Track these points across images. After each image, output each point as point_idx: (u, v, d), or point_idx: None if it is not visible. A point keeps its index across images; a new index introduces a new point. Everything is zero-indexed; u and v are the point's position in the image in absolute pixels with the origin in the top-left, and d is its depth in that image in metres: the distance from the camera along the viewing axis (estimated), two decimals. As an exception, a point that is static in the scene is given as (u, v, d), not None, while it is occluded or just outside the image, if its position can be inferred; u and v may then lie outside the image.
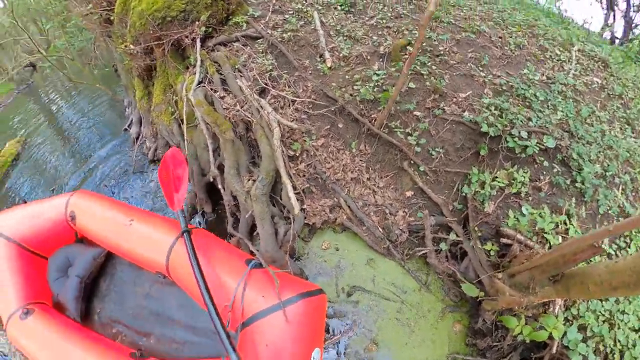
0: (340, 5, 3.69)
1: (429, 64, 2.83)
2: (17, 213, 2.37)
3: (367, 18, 3.56)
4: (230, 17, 3.18)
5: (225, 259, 1.77)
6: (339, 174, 2.30)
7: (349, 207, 2.24)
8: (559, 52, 3.52)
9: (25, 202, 2.52)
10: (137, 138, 3.70)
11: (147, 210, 2.25)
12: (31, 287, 2.21)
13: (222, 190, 2.33)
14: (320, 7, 3.59)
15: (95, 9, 3.90)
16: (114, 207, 2.17)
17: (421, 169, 2.32)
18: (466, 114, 2.45)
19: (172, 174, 1.82)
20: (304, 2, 3.65)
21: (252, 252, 2.02)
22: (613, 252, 1.99)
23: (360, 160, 2.37)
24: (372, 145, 2.43)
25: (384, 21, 3.47)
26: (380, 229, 2.21)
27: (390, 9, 3.73)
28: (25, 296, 2.15)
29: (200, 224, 2.74)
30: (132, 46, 2.91)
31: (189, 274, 1.72)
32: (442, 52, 2.99)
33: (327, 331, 2.12)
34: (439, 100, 2.56)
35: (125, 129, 4.33)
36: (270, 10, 3.37)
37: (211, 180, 2.44)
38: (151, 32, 2.80)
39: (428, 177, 2.33)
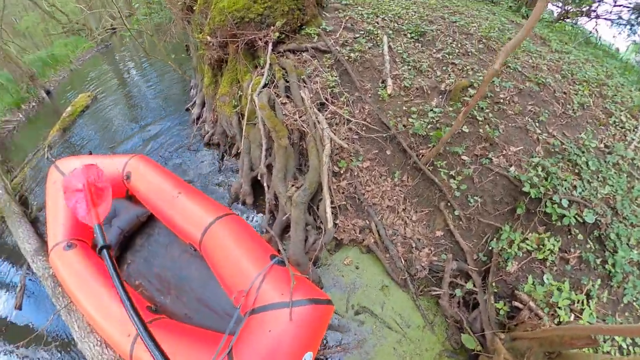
0: (410, 33, 3.75)
1: (487, 110, 2.85)
2: (81, 161, 2.66)
3: (434, 50, 3.59)
4: (304, 27, 3.34)
5: (253, 249, 1.89)
6: (376, 198, 2.40)
7: (378, 232, 2.34)
8: (624, 119, 3.36)
9: (91, 154, 2.84)
10: (197, 119, 3.96)
11: (195, 188, 2.41)
12: (78, 226, 2.49)
13: (266, 188, 2.51)
14: (390, 32, 3.67)
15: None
16: (167, 178, 2.41)
17: (456, 212, 2.38)
18: (512, 169, 2.47)
19: (92, 190, 1.86)
20: (376, 24, 3.77)
21: (278, 250, 2.15)
22: (625, 346, 1.95)
23: (400, 191, 2.46)
24: (415, 178, 2.51)
25: (451, 57, 3.49)
26: (403, 260, 2.30)
27: (459, 45, 3.74)
28: (71, 232, 2.44)
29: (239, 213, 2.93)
30: (209, 37, 3.13)
31: (218, 253, 1.92)
32: (502, 100, 3.00)
33: (325, 341, 2.21)
34: (488, 149, 2.59)
35: (187, 108, 4.59)
36: (342, 26, 3.51)
37: (258, 176, 2.62)
38: (228, 28, 3.01)
39: (460, 223, 2.38)
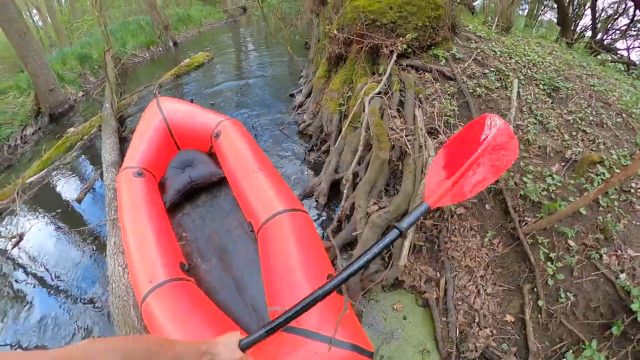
0: (543, 85, 3.40)
1: (613, 196, 2.45)
2: (181, 105, 2.81)
3: (565, 110, 3.22)
4: (432, 47, 3.15)
5: (311, 259, 1.75)
6: (457, 253, 2.15)
7: (445, 290, 2.09)
8: None
9: (192, 102, 2.92)
10: (299, 106, 4.03)
11: (277, 172, 2.34)
12: (154, 159, 2.61)
13: (344, 196, 2.36)
14: (522, 77, 3.35)
15: None
16: (253, 150, 2.39)
17: (539, 303, 2.05)
18: (623, 276, 2.07)
19: None
20: (508, 64, 3.47)
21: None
22: None
23: (486, 254, 2.18)
24: (507, 246, 2.21)
25: (582, 123, 3.10)
26: (458, 332, 2.03)
27: (594, 112, 3.30)
28: (146, 161, 2.55)
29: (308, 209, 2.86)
30: (335, 32, 3.05)
31: (274, 246, 1.83)
32: (632, 190, 2.56)
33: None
34: (601, 243, 2.21)
35: (292, 94, 4.71)
36: (472, 57, 3.26)
37: (340, 180, 2.49)
38: (358, 28, 2.92)
39: (539, 316, 2.05)
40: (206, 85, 6.78)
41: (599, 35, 7.38)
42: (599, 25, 7.50)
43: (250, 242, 2.19)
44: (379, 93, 2.58)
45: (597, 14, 7.42)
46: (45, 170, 5.60)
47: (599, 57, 6.64)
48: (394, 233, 1.18)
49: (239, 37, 11.48)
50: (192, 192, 2.53)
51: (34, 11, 22.35)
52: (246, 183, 2.18)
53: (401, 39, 2.88)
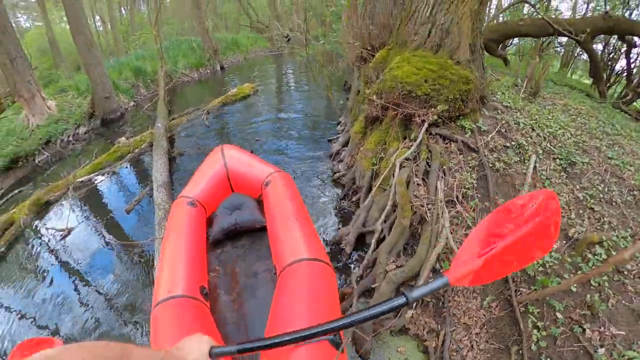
0: (560, 159, 3.64)
1: (605, 276, 2.72)
2: (241, 154, 3.27)
3: (578, 186, 3.47)
4: (461, 117, 3.51)
5: (321, 308, 1.84)
6: (458, 311, 2.53)
7: (443, 341, 2.47)
8: None
9: (252, 152, 3.48)
10: (335, 154, 4.45)
11: (312, 223, 2.61)
12: (209, 195, 3.01)
13: (370, 250, 2.78)
14: (540, 151, 3.63)
15: (361, 46, 4.69)
16: (294, 201, 2.69)
17: (524, 364, 2.39)
18: (601, 351, 2.37)
19: None
20: (529, 138, 3.74)
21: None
22: None
23: (483, 315, 2.55)
24: (503, 310, 2.58)
25: (592, 200, 3.32)
26: (451, 378, 2.39)
27: (606, 189, 3.51)
28: (201, 195, 2.95)
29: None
30: (374, 97, 3.49)
31: (289, 288, 1.96)
32: (626, 272, 2.80)
33: None
34: (587, 319, 2.53)
35: (329, 140, 5.15)
36: (496, 129, 3.59)
37: (365, 233, 2.92)
38: (395, 96, 3.33)
39: (522, 377, 2.39)
40: (247, 118, 7.34)
41: (636, 80, 7.12)
42: (634, 71, 7.44)
43: (272, 286, 2.32)
44: (408, 159, 3.01)
45: (632, 61, 7.35)
46: (96, 173, 6.21)
47: (635, 104, 6.71)
48: (401, 300, 1.11)
49: (281, 68, 12.07)
50: (235, 233, 2.80)
51: (97, 17, 23.99)
52: (281, 230, 2.40)
53: (433, 109, 3.26)
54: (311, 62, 8.06)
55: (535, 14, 7.89)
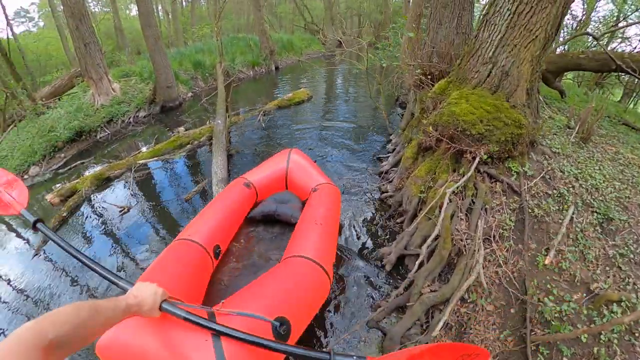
0: (598, 213, 3.71)
1: (615, 333, 2.78)
2: (302, 160, 3.72)
3: (610, 243, 3.54)
4: (509, 159, 3.69)
5: (295, 301, 1.94)
6: (477, 339, 2.81)
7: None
8: None
9: (315, 162, 3.87)
10: (384, 173, 4.71)
11: (335, 230, 2.91)
12: (266, 185, 3.51)
13: (412, 272, 3.06)
14: (580, 203, 3.73)
15: (420, 71, 4.88)
16: (330, 210, 2.97)
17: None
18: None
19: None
20: (571, 188, 3.86)
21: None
22: None
23: (498, 347, 2.81)
24: (516, 346, 2.82)
25: (621, 259, 3.38)
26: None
27: (638, 250, 3.51)
28: (259, 183, 3.46)
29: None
30: (430, 128, 3.74)
31: (277, 272, 2.13)
32: (637, 333, 2.84)
33: None
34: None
35: (379, 158, 5.37)
36: (541, 175, 3.74)
37: (405, 255, 3.20)
38: (450, 131, 3.56)
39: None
40: (299, 122, 7.63)
41: None
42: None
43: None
44: (455, 193, 3.27)
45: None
46: (155, 158, 6.74)
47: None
48: (324, 356, 1.18)
49: (332, 73, 12.33)
50: (271, 220, 3.17)
51: (159, 7, 25.34)
52: (304, 229, 2.66)
53: (484, 148, 3.46)
54: (365, 73, 8.28)
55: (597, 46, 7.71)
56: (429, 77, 4.96)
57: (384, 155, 5.31)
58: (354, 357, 1.16)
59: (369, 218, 4.15)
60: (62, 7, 11.20)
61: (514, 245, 3.15)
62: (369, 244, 3.75)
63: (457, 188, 3.31)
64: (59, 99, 11.43)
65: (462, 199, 3.33)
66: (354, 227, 4.02)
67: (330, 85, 11.25)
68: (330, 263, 2.43)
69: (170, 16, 23.86)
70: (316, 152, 5.99)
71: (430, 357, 1.07)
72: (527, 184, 3.57)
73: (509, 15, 3.43)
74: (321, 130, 6.97)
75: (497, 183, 3.54)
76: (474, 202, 3.31)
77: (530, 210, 3.36)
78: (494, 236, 3.12)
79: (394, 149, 5.30)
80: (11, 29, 19.16)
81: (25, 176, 8.50)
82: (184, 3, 27.81)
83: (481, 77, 3.80)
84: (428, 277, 2.95)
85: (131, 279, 1.47)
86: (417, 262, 3.00)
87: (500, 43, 3.58)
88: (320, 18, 24.82)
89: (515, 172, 3.64)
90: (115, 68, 12.48)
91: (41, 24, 27.43)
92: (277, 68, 14.16)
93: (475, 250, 2.90)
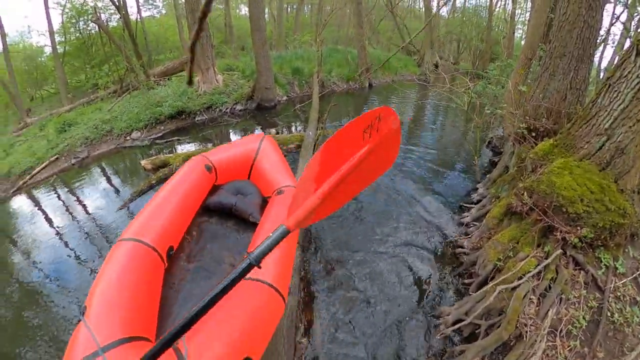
0: None
1: None
2: (275, 153, 3.50)
3: None
4: (602, 248, 3.29)
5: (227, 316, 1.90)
6: None
7: None
8: None
9: (284, 157, 3.65)
10: (465, 225, 4.48)
11: (295, 241, 2.87)
12: (227, 168, 3.22)
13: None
14: None
15: (522, 122, 4.60)
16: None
17: None
18: None
19: None
20: None
21: None
22: None
23: None
24: None
25: None
26: None
27: None
28: (223, 165, 3.20)
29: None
30: (525, 195, 3.52)
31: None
32: None
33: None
34: None
35: (461, 206, 5.06)
36: (633, 276, 3.29)
37: (463, 320, 3.11)
38: (546, 203, 3.30)
39: None
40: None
41: None
42: None
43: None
44: (530, 274, 3.09)
45: None
46: None
47: None
48: (245, 263, 1.09)
49: (423, 100, 12.08)
50: (228, 213, 2.90)
51: (267, 10, 27.21)
52: (264, 236, 2.63)
53: (577, 231, 3.16)
54: (456, 105, 7.87)
55: None
56: (533, 133, 4.60)
57: (468, 205, 4.94)
58: (269, 239, 1.12)
59: (436, 268, 3.95)
60: (183, 1, 12.54)
61: (579, 347, 2.83)
62: (430, 294, 3.61)
63: (538, 267, 3.12)
64: (169, 79, 12.81)
65: (539, 280, 3.13)
66: (418, 272, 3.87)
67: (418, 111, 11.05)
68: (286, 284, 2.26)
69: (275, 20, 25.32)
70: (393, 177, 5.82)
71: (356, 129, 1.13)
72: (615, 282, 3.19)
73: (637, 83, 3.01)
74: (403, 158, 6.74)
75: (581, 272, 3.22)
76: (550, 287, 3.07)
77: (609, 314, 2.99)
78: (561, 331, 2.86)
79: (479, 201, 4.93)
80: (140, 14, 22.00)
81: (128, 138, 9.72)
82: (289, 9, 29.36)
83: (591, 148, 3.46)
84: (480, 353, 2.81)
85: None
86: (482, 331, 2.91)
87: (621, 115, 3.20)
88: (418, 39, 24.54)
89: (604, 264, 3.27)
90: (220, 60, 13.59)
91: (164, 11, 30.94)
92: (370, 85, 14.27)
93: (536, 341, 2.73)
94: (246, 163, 3.27)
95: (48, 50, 22.70)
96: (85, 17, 18.88)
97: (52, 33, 18.82)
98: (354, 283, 3.75)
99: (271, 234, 1.11)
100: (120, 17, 14.81)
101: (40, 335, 3.43)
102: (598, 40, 5.29)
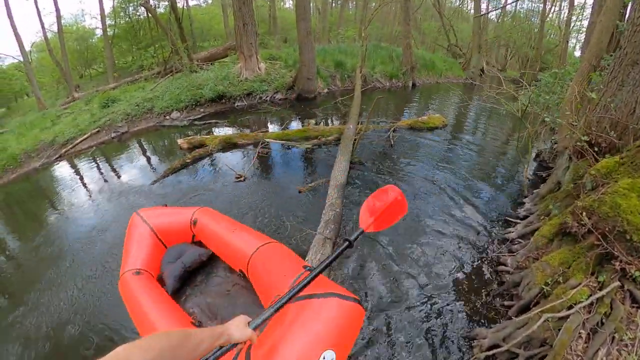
0: None
1: None
2: (157, 210, 3.33)
3: None
4: None
5: (289, 262, 2.33)
6: None
7: None
8: None
9: (166, 205, 3.50)
10: (508, 242, 4.13)
11: (248, 227, 2.95)
12: (147, 260, 2.92)
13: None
14: None
15: (582, 136, 4.20)
16: (227, 221, 2.96)
17: None
18: None
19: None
20: None
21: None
22: None
23: None
24: None
25: None
26: None
27: None
28: (141, 263, 2.87)
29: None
30: (584, 215, 3.14)
31: (260, 270, 2.37)
32: None
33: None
34: None
35: (507, 220, 4.64)
36: None
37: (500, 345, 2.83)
38: (606, 227, 2.92)
39: None
40: (423, 149, 7.16)
41: None
42: None
43: (246, 292, 2.56)
44: (583, 305, 2.75)
45: None
46: (281, 141, 7.10)
47: None
48: (344, 244, 1.83)
49: (469, 106, 11.54)
50: (188, 275, 2.83)
51: (312, 3, 27.41)
52: (227, 243, 2.70)
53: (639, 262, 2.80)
54: (508, 114, 7.38)
55: None
56: (595, 147, 4.15)
57: (513, 220, 4.55)
58: (356, 232, 1.96)
59: (474, 285, 3.63)
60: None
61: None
62: (465, 313, 3.29)
63: (591, 300, 2.79)
64: (212, 64, 12.98)
65: (591, 313, 2.79)
66: (454, 288, 3.57)
67: (462, 115, 10.51)
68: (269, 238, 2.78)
69: (320, 14, 25.21)
70: (434, 189, 5.48)
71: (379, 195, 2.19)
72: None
73: None
74: (445, 163, 6.38)
75: (639, 311, 2.89)
76: (602, 323, 2.74)
77: None
78: None
79: (525, 217, 4.51)
80: (187, 1, 22.54)
81: (167, 117, 9.94)
82: (333, 4, 29.12)
83: None
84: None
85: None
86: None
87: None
88: (465, 42, 23.67)
89: None
90: (263, 50, 13.65)
91: (210, 0, 31.49)
92: (414, 85, 13.90)
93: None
94: (153, 240, 3.07)
95: (99, 32, 24.04)
96: (135, 2, 19.60)
97: (103, 16, 19.78)
98: (381, 290, 3.54)
99: (355, 232, 1.93)
100: (168, 3, 15.15)
101: (61, 281, 4.15)
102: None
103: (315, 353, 1.51)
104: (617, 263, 2.92)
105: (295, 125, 8.84)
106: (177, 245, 3.05)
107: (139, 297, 2.48)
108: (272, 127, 8.88)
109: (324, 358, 1.50)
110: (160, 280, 2.83)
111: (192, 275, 2.88)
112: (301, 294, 1.55)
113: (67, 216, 5.62)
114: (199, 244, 3.11)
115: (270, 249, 2.51)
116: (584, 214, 3.16)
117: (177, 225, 3.15)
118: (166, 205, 3.52)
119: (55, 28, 19.28)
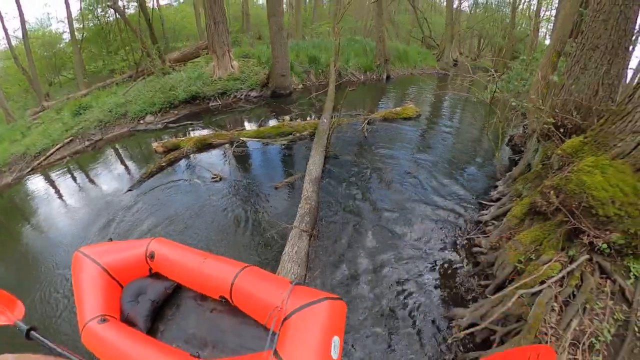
0: None
1: None
2: (104, 247, 2.95)
3: None
4: (632, 256, 2.99)
5: (276, 281, 2.36)
6: None
7: None
8: None
9: (111, 240, 3.10)
10: (482, 224, 4.24)
11: (215, 255, 2.76)
12: (107, 304, 2.61)
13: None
14: None
15: (549, 119, 4.34)
16: (190, 250, 2.79)
17: None
18: None
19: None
20: None
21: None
22: None
23: None
24: None
25: None
26: None
27: None
28: (102, 308, 2.55)
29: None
30: (552, 193, 3.25)
31: (249, 295, 2.34)
32: None
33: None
34: None
35: (480, 203, 4.81)
36: None
37: (477, 324, 2.90)
38: (574, 204, 3.03)
39: None
40: (397, 139, 7.29)
41: None
42: None
43: (227, 314, 2.51)
44: (552, 279, 2.85)
45: None
46: (256, 139, 7.06)
47: None
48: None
49: (443, 95, 11.75)
50: (156, 312, 2.64)
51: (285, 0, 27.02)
52: (201, 273, 2.55)
53: (606, 235, 2.91)
54: (476, 99, 7.49)
55: None
56: (561, 129, 4.33)
57: (486, 202, 4.70)
58: None
59: (450, 267, 3.75)
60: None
61: (597, 360, 2.62)
62: (443, 294, 3.39)
63: (562, 274, 2.88)
64: (184, 65, 12.74)
65: (562, 287, 2.89)
66: (431, 270, 3.67)
67: (436, 105, 10.74)
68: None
69: (293, 9, 25.05)
70: (410, 177, 5.64)
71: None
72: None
73: (679, 80, 2.81)
74: (420, 151, 6.58)
75: (608, 281, 2.95)
76: (574, 295, 2.84)
77: (637, 329, 2.71)
78: (584, 344, 2.63)
79: (498, 199, 4.71)
80: (157, 1, 22.02)
81: (141, 121, 9.72)
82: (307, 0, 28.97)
83: (626, 148, 3.20)
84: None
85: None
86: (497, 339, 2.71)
87: (660, 112, 2.92)
88: (438, 33, 24.00)
89: (634, 274, 2.99)
90: (236, 48, 13.47)
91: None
92: (388, 77, 13.99)
93: (562, 351, 2.52)
94: (107, 282, 2.80)
95: (67, 37, 23.12)
96: (103, 4, 19.02)
97: (70, 20, 19.05)
98: (362, 279, 3.59)
99: None
100: (137, 2, 14.78)
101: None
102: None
103: (328, 339, 1.94)
104: (585, 237, 3.03)
105: (271, 122, 8.81)
106: (134, 281, 2.81)
107: (120, 346, 2.25)
108: (248, 125, 8.82)
109: (334, 341, 1.95)
110: (128, 322, 2.59)
111: (162, 310, 2.70)
112: (299, 304, 2.05)
113: (42, 233, 5.39)
114: (156, 276, 2.89)
115: (251, 272, 2.49)
116: (552, 192, 3.27)
117: (131, 260, 2.88)
118: (111, 240, 3.16)
119: (19, 34, 18.49)
